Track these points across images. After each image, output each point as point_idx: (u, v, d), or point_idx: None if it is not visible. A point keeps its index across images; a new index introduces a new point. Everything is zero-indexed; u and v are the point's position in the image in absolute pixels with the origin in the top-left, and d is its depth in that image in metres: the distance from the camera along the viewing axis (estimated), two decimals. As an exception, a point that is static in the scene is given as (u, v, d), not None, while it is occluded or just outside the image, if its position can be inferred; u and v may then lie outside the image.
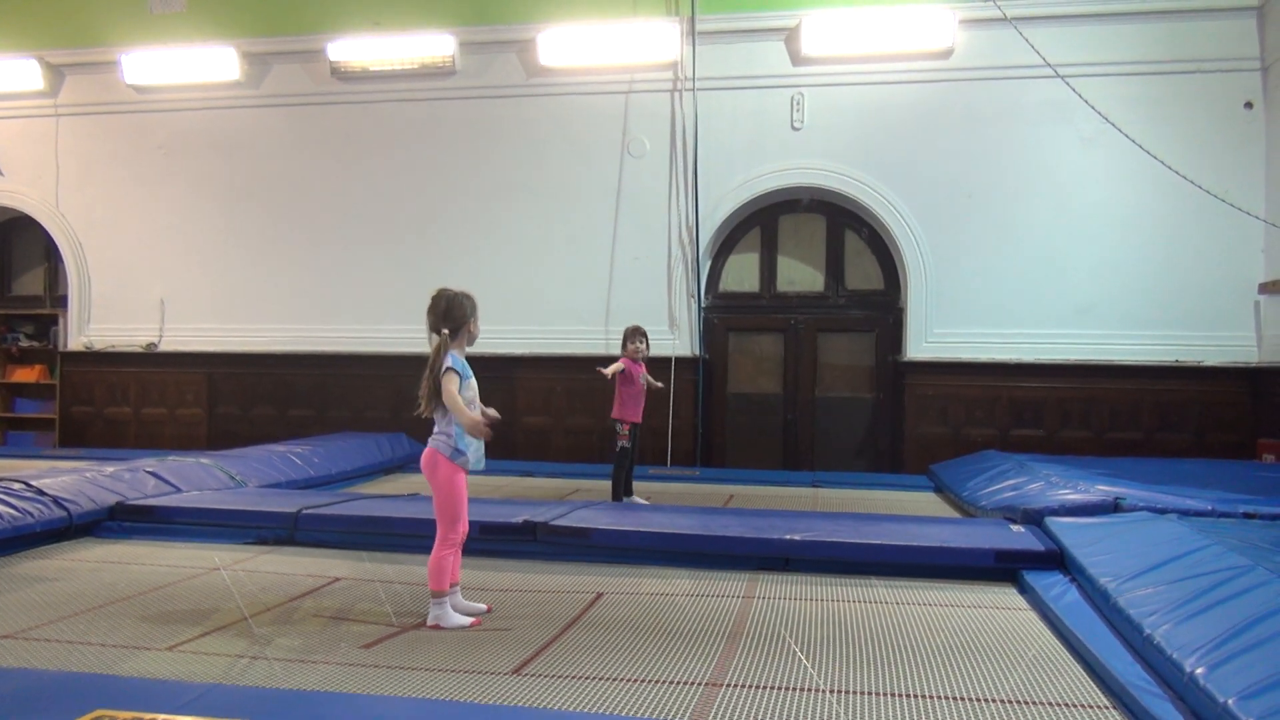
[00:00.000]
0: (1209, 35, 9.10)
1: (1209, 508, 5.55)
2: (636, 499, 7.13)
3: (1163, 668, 3.23)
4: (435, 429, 4.11)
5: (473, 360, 4.22)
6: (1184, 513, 5.40)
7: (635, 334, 7.17)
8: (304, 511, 5.87)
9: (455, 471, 4.06)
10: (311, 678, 3.35)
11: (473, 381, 4.10)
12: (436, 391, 4.01)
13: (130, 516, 6.06)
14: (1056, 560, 4.92)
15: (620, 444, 7.05)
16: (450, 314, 4.08)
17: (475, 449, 4.10)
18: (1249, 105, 9.04)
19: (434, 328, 4.09)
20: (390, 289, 10.46)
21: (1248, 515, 5.45)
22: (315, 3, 10.68)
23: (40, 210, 11.36)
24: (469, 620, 4.04)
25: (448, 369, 3.98)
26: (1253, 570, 3.69)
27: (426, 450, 4.11)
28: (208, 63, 10.75)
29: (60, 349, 11.38)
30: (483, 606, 4.24)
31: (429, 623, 4.04)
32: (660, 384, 7.43)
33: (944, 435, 9.49)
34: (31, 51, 11.14)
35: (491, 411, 4.13)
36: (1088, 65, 9.01)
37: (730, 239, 10.28)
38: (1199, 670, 2.98)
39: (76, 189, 11.26)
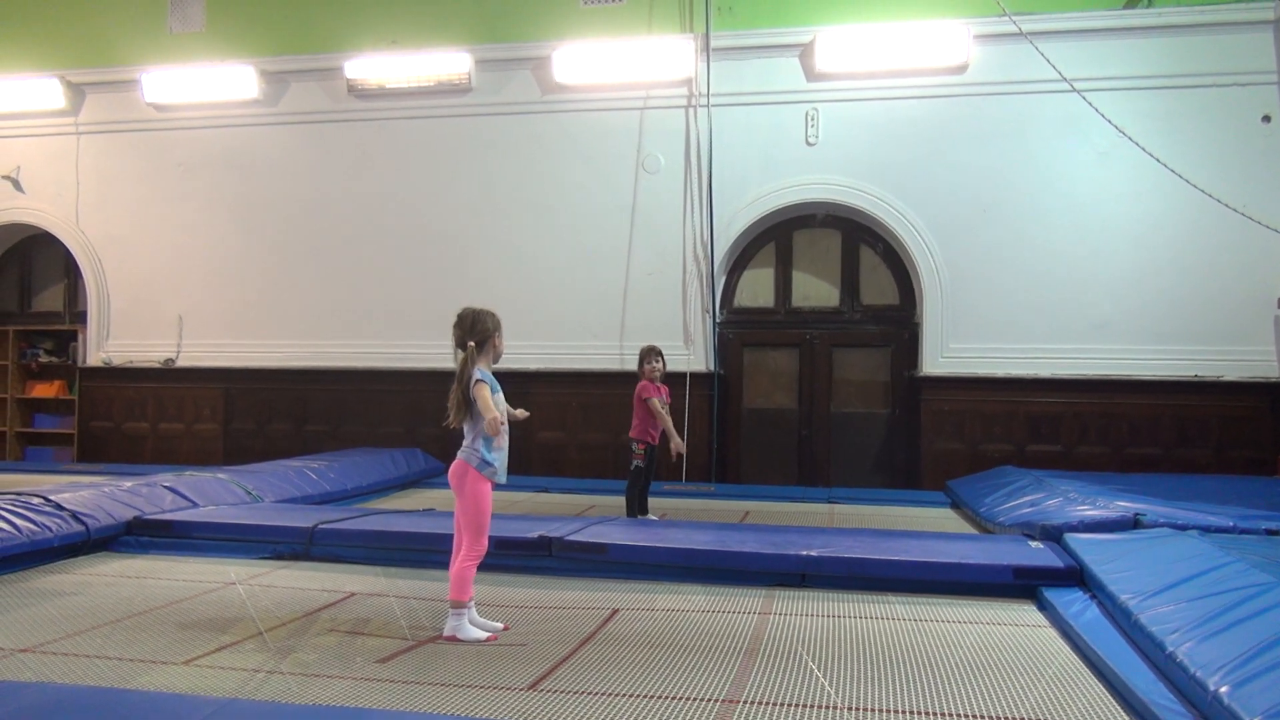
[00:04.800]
0: (1224, 49, 9.07)
1: (1230, 524, 5.49)
2: (651, 517, 7.10)
3: (1185, 686, 3.19)
4: (464, 441, 4.17)
5: (487, 375, 4.24)
6: (1205, 529, 5.35)
7: (650, 354, 7.12)
8: (320, 527, 5.87)
9: (482, 483, 4.12)
10: (327, 693, 3.35)
11: (500, 397, 4.16)
12: (465, 403, 4.09)
13: (147, 531, 6.08)
14: (1076, 577, 4.87)
15: (635, 463, 7.02)
16: (476, 328, 4.19)
17: (501, 461, 4.17)
18: (1266, 119, 9.01)
19: (460, 342, 4.18)
20: (406, 305, 10.51)
21: (1270, 532, 5.40)
22: (332, 21, 10.79)
23: (60, 227, 11.47)
24: (485, 635, 4.04)
25: (478, 380, 4.06)
26: (1276, 587, 3.64)
27: (455, 462, 4.17)
28: (226, 81, 10.86)
29: (79, 364, 11.47)
30: (499, 625, 4.24)
31: (446, 633, 4.06)
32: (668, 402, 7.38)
33: (960, 451, 9.43)
34: (53, 71, 11.29)
35: (521, 413, 4.33)
36: (1103, 79, 8.98)
37: (745, 254, 10.28)
38: (1223, 689, 2.94)
39: (96, 206, 11.37)
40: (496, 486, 4.22)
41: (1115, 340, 9.21)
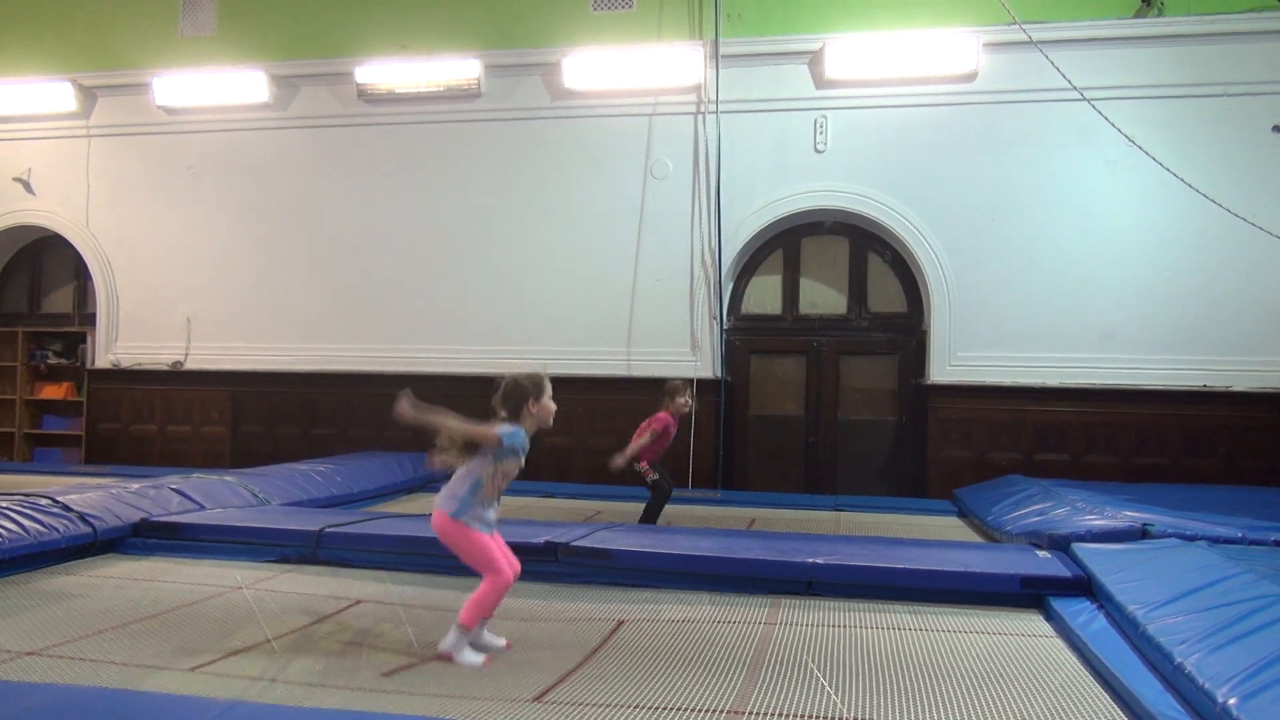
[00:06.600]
0: (1234, 59, 9.05)
1: (1239, 535, 5.47)
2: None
3: (1194, 697, 3.18)
4: (445, 487, 3.97)
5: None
6: (1214, 540, 5.33)
7: (685, 388, 7.16)
8: (326, 530, 5.88)
9: (464, 528, 3.89)
10: (330, 702, 3.34)
11: (520, 461, 3.98)
12: (467, 449, 3.92)
13: (155, 533, 6.09)
14: (1084, 587, 4.85)
15: (651, 479, 7.01)
16: (508, 398, 3.98)
17: (481, 512, 3.93)
18: (1277, 129, 8.97)
19: (495, 411, 3.99)
20: (414, 309, 10.52)
21: (1279, 543, 5.37)
22: (343, 26, 10.83)
23: (70, 229, 11.52)
24: (480, 660, 3.85)
25: (497, 432, 3.89)
26: (1286, 600, 3.63)
27: (434, 512, 3.96)
28: (237, 85, 10.90)
29: (88, 366, 11.50)
30: (501, 643, 4.06)
31: (441, 648, 3.86)
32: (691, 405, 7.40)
33: (967, 459, 9.41)
34: (65, 74, 11.33)
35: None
36: (1113, 88, 8.96)
37: (753, 261, 10.28)
38: (1232, 700, 2.93)
39: (106, 209, 11.42)
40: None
41: (1123, 349, 9.18)
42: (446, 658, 3.84)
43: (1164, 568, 4.62)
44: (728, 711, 3.31)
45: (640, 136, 10.14)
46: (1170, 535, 5.47)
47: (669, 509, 7.90)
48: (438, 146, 10.60)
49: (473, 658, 3.85)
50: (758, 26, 9.90)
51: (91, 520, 5.82)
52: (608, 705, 3.36)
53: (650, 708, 3.34)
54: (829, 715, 3.29)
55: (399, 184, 10.68)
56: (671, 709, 3.33)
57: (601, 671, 3.78)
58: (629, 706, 3.35)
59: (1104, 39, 9.20)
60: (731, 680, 3.67)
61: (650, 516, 7.03)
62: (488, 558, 3.90)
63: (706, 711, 3.31)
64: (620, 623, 4.56)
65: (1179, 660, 3.38)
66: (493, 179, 10.45)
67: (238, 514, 6.52)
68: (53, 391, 11.93)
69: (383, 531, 5.91)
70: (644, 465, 6.99)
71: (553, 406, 4.04)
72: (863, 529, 7.46)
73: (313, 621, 4.46)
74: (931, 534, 7.26)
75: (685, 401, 7.07)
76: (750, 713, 3.30)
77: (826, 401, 10.04)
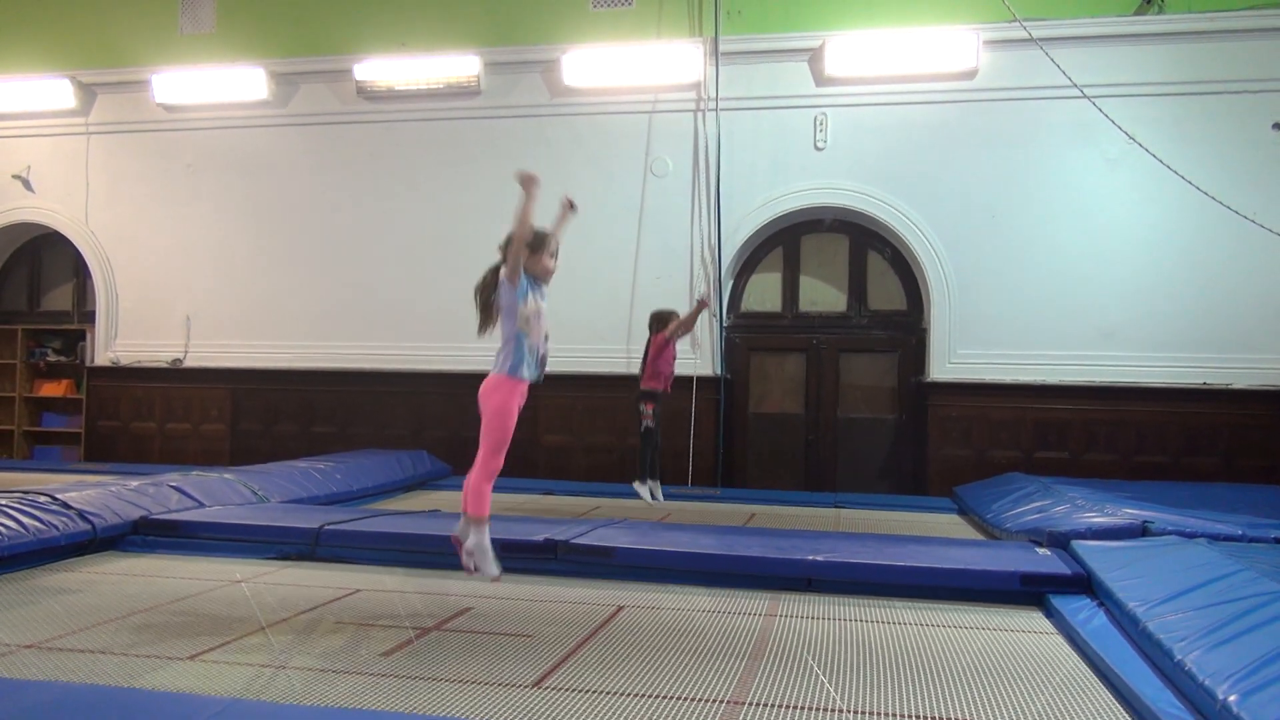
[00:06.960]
0: (1235, 56, 9.05)
1: (1239, 533, 5.47)
2: (658, 485, 7.07)
3: (1194, 694, 3.17)
4: (496, 358, 4.21)
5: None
6: (1214, 537, 5.32)
7: (673, 315, 7.31)
8: (326, 527, 5.87)
9: (510, 393, 4.09)
10: (331, 690, 3.34)
11: (532, 302, 4.23)
12: (486, 308, 4.20)
13: (154, 531, 6.08)
14: (1083, 584, 4.84)
15: (644, 424, 7.03)
16: (506, 246, 4.29)
17: (529, 359, 4.18)
18: (1277, 126, 8.97)
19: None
20: (413, 306, 10.52)
21: (1279, 540, 5.37)
22: (342, 24, 10.82)
23: (70, 227, 11.51)
24: (497, 571, 4.06)
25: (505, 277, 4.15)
26: (1286, 595, 3.62)
27: (487, 379, 4.18)
28: (236, 82, 10.90)
29: (87, 364, 11.50)
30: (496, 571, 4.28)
31: (466, 545, 4.08)
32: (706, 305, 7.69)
33: (967, 457, 9.41)
34: (64, 71, 11.33)
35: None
36: (1113, 86, 8.96)
37: (752, 259, 10.27)
38: (1232, 698, 2.92)
39: (106, 206, 11.41)
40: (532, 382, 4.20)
41: (1123, 347, 9.18)
42: (468, 551, 4.09)
43: (1164, 565, 4.62)
44: (727, 701, 3.31)
45: (640, 134, 10.14)
46: (1170, 533, 5.46)
47: (669, 506, 7.92)
48: (437, 144, 10.59)
49: (492, 568, 4.09)
50: (757, 24, 9.90)
51: (91, 518, 5.81)
52: (607, 692, 3.36)
53: (650, 695, 3.34)
54: (828, 708, 3.29)
55: (398, 181, 10.68)
56: (671, 697, 3.33)
57: (601, 657, 3.79)
58: (629, 694, 3.35)
59: (1104, 36, 9.20)
60: (731, 671, 3.67)
61: (645, 466, 7.05)
62: (503, 436, 4.12)
63: (706, 701, 3.30)
64: (619, 608, 4.57)
65: (1179, 657, 3.38)
66: (492, 176, 10.42)
67: (237, 512, 6.51)
68: (52, 389, 11.92)
69: (382, 529, 5.89)
70: (649, 407, 7.00)
71: (551, 265, 4.35)
72: (863, 526, 7.44)
73: (311, 608, 4.48)
74: (931, 531, 7.24)
75: (677, 323, 7.13)
76: (749, 703, 3.30)
77: (826, 399, 10.04)
